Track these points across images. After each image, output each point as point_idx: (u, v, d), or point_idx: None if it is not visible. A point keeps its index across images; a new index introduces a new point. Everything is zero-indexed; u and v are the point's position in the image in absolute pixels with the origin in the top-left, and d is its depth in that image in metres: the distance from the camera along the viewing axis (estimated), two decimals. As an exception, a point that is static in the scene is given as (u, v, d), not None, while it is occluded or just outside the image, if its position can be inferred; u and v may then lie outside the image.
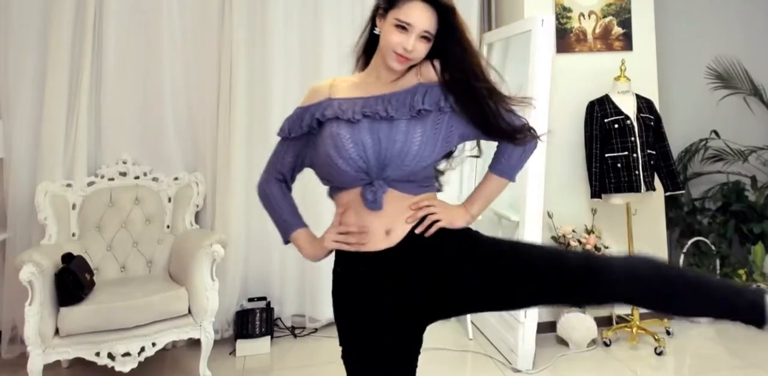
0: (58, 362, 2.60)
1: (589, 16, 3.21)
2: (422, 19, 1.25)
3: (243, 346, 2.97)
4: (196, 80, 3.13)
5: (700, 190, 3.72)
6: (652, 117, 3.01)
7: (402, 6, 1.25)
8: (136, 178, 3.01)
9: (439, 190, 1.43)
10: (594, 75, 3.16)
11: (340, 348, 1.35)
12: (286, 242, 1.44)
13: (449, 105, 1.29)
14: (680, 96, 3.64)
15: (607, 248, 3.08)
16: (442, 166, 1.43)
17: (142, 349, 2.46)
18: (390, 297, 1.28)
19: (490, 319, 3.02)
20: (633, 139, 2.92)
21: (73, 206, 2.85)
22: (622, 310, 3.14)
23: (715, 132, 3.63)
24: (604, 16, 3.22)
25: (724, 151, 3.64)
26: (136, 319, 2.43)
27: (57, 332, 2.37)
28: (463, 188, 3.49)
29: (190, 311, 2.58)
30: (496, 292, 1.27)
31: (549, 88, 2.79)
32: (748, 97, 3.70)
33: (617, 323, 3.11)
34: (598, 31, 3.22)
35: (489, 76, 1.31)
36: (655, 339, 2.88)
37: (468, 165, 3.45)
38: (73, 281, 2.38)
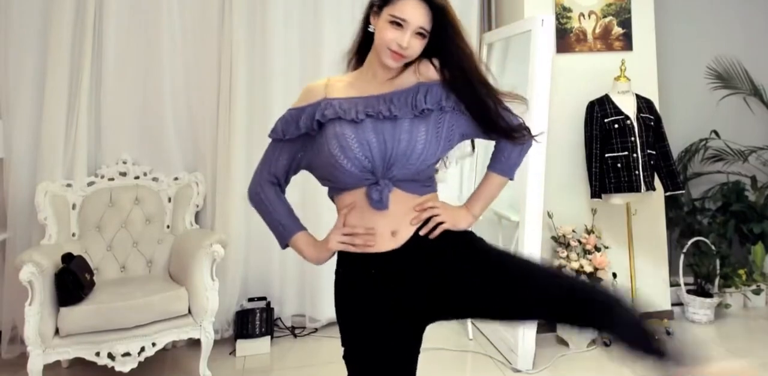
0: (58, 362, 2.60)
1: (589, 16, 3.21)
2: (417, 15, 1.24)
3: (243, 346, 2.97)
4: (196, 80, 3.13)
5: (700, 190, 3.72)
6: (652, 117, 3.01)
7: (396, 3, 1.25)
8: (136, 178, 3.01)
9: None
10: (594, 75, 3.15)
11: (341, 348, 1.34)
12: (284, 246, 1.42)
13: (450, 104, 1.29)
14: (680, 96, 3.63)
15: (607, 247, 3.08)
16: (437, 164, 1.43)
17: (142, 349, 2.46)
18: (393, 298, 1.28)
19: (490, 319, 3.01)
20: (633, 139, 2.91)
21: (73, 206, 2.85)
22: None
23: (715, 132, 3.63)
24: (604, 16, 3.22)
25: (724, 151, 3.63)
26: (136, 319, 2.43)
27: (57, 332, 2.37)
28: (463, 187, 3.49)
29: (190, 311, 2.58)
30: (493, 294, 1.27)
31: (549, 88, 2.78)
32: (748, 97, 3.70)
33: (617, 323, 3.11)
34: (598, 31, 3.22)
35: (485, 74, 1.31)
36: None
37: (468, 165, 3.46)
38: (73, 281, 2.38)
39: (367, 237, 1.28)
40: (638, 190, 2.89)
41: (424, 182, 1.32)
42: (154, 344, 2.49)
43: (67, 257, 2.46)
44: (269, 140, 1.41)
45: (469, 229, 1.39)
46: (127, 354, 2.43)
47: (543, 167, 2.73)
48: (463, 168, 3.45)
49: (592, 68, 3.18)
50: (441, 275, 1.28)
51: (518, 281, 1.26)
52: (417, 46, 1.27)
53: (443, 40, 1.28)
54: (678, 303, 3.38)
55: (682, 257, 3.39)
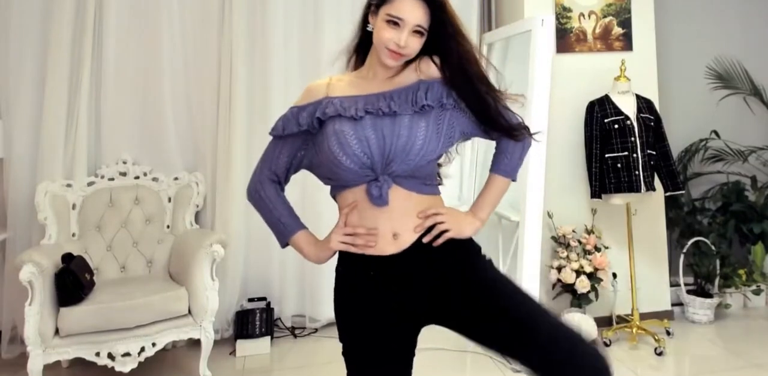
0: (58, 362, 2.60)
1: (589, 16, 3.21)
2: (414, 13, 1.24)
3: (243, 346, 2.97)
4: (196, 80, 3.13)
5: (700, 190, 3.72)
6: (652, 117, 3.01)
7: (393, 1, 1.24)
8: (136, 178, 3.01)
9: (440, 183, 1.43)
10: (594, 75, 3.16)
11: (340, 346, 1.35)
12: (284, 245, 1.41)
13: (451, 102, 1.29)
14: (680, 96, 3.63)
15: (607, 248, 3.08)
16: (441, 159, 1.43)
17: (142, 349, 2.46)
18: (391, 300, 1.28)
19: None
20: (633, 139, 2.91)
21: (73, 206, 2.85)
22: (622, 310, 3.14)
23: (715, 132, 3.63)
24: (604, 16, 3.22)
25: (724, 151, 3.63)
26: (136, 319, 2.43)
27: (57, 332, 2.37)
28: (463, 186, 3.49)
29: (190, 311, 2.58)
30: (485, 306, 1.25)
31: (549, 89, 2.79)
32: (748, 97, 3.70)
33: (617, 323, 3.11)
34: (598, 31, 3.22)
35: (486, 72, 1.31)
36: (655, 339, 2.88)
37: (468, 163, 3.46)
38: (73, 281, 2.38)
39: (369, 237, 1.27)
40: (638, 190, 2.89)
41: (424, 180, 1.31)
42: (154, 344, 2.49)
43: (67, 257, 2.46)
44: (270, 138, 1.41)
45: (474, 236, 1.38)
46: (127, 354, 2.43)
47: (543, 167, 2.73)
48: (463, 166, 3.45)
49: (592, 68, 3.18)
50: (442, 277, 1.27)
51: (522, 323, 1.21)
52: (415, 44, 1.27)
53: (442, 38, 1.28)
54: (678, 303, 3.38)
55: (682, 257, 3.39)
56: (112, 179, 2.97)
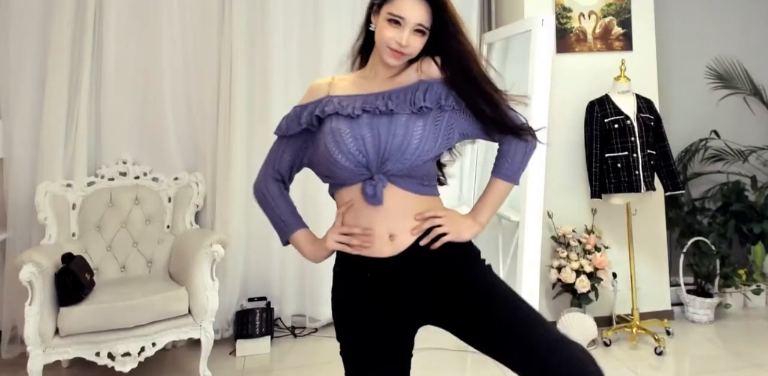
0: (58, 362, 2.60)
1: (589, 16, 3.21)
2: (415, 12, 1.24)
3: (243, 346, 2.97)
4: (196, 80, 3.13)
5: (700, 190, 3.72)
6: (652, 117, 3.01)
7: (394, 0, 1.24)
8: (136, 178, 3.01)
9: (443, 183, 1.43)
10: (594, 75, 3.15)
11: (338, 343, 1.35)
12: (285, 243, 1.43)
13: (450, 103, 1.28)
14: (680, 96, 3.63)
15: (607, 248, 3.08)
16: (445, 158, 1.42)
17: (142, 349, 2.46)
18: (388, 301, 1.28)
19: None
20: (633, 139, 2.91)
21: (73, 206, 2.85)
22: (622, 310, 3.14)
23: (715, 132, 3.63)
24: (604, 16, 3.22)
25: (724, 151, 3.63)
26: (136, 319, 2.43)
27: (57, 332, 2.37)
28: (463, 187, 3.49)
29: (190, 311, 2.58)
30: (483, 311, 1.25)
31: (549, 89, 2.79)
32: (748, 97, 3.70)
33: (617, 323, 3.11)
34: (598, 31, 3.22)
35: (487, 72, 1.30)
36: (655, 339, 2.88)
37: (468, 163, 3.46)
38: (73, 281, 2.38)
39: (364, 238, 1.27)
40: (638, 190, 2.89)
41: (422, 180, 1.30)
42: (154, 344, 2.49)
43: (67, 257, 2.46)
44: (271, 139, 1.42)
45: (474, 240, 1.37)
46: (127, 354, 2.43)
47: (543, 167, 2.73)
48: (462, 167, 3.45)
49: (592, 68, 3.18)
50: (440, 280, 1.27)
51: (521, 334, 1.20)
52: (416, 43, 1.27)
53: (444, 37, 1.27)
54: (678, 303, 3.38)
55: (682, 257, 3.39)
56: (112, 179, 2.97)
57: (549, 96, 2.79)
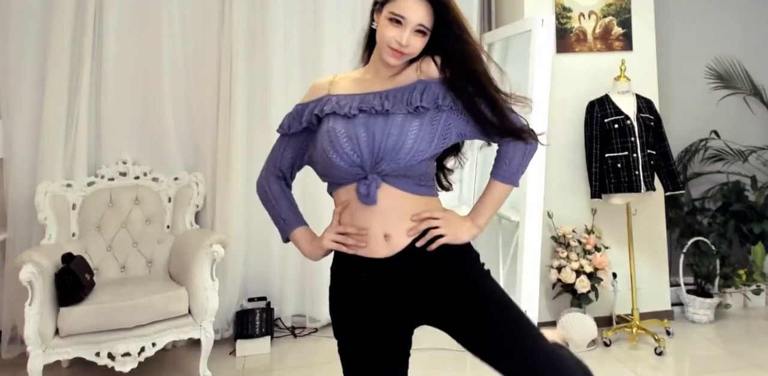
0: (58, 362, 2.60)
1: (589, 16, 3.21)
2: (416, 12, 1.23)
3: (243, 346, 2.97)
4: (196, 80, 3.14)
5: (700, 190, 3.72)
6: (652, 117, 3.01)
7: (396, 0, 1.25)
8: (136, 178, 3.01)
9: (448, 189, 1.42)
10: (594, 75, 3.15)
11: (336, 341, 1.35)
12: (286, 240, 1.43)
13: (447, 103, 1.27)
14: (680, 96, 3.63)
15: (607, 248, 3.08)
16: (450, 163, 1.42)
17: (142, 349, 2.46)
18: (384, 301, 1.28)
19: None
20: (633, 139, 2.91)
21: (73, 206, 2.85)
22: (622, 310, 3.14)
23: (715, 132, 3.63)
24: (604, 16, 3.22)
25: (724, 151, 3.63)
26: (136, 319, 2.43)
27: (57, 332, 2.37)
28: (463, 187, 3.49)
29: (190, 311, 2.58)
30: (481, 316, 1.25)
31: (549, 89, 2.79)
32: (748, 97, 3.70)
33: (617, 323, 3.11)
34: (598, 31, 3.22)
35: (491, 73, 1.29)
36: (655, 339, 2.88)
37: (468, 165, 3.45)
38: (73, 281, 2.38)
39: (359, 237, 1.27)
40: (638, 190, 2.89)
41: (418, 180, 1.29)
42: (154, 344, 2.49)
43: (67, 257, 2.46)
44: (271, 139, 1.44)
45: (471, 241, 1.36)
46: (127, 354, 2.43)
47: (543, 167, 2.73)
48: (463, 168, 3.45)
49: (592, 68, 3.18)
50: (438, 281, 1.27)
51: (516, 344, 1.22)
52: (417, 43, 1.26)
53: (446, 38, 1.27)
54: (678, 303, 3.38)
55: (682, 257, 3.39)
56: (112, 179, 2.97)
57: (549, 96, 2.79)
